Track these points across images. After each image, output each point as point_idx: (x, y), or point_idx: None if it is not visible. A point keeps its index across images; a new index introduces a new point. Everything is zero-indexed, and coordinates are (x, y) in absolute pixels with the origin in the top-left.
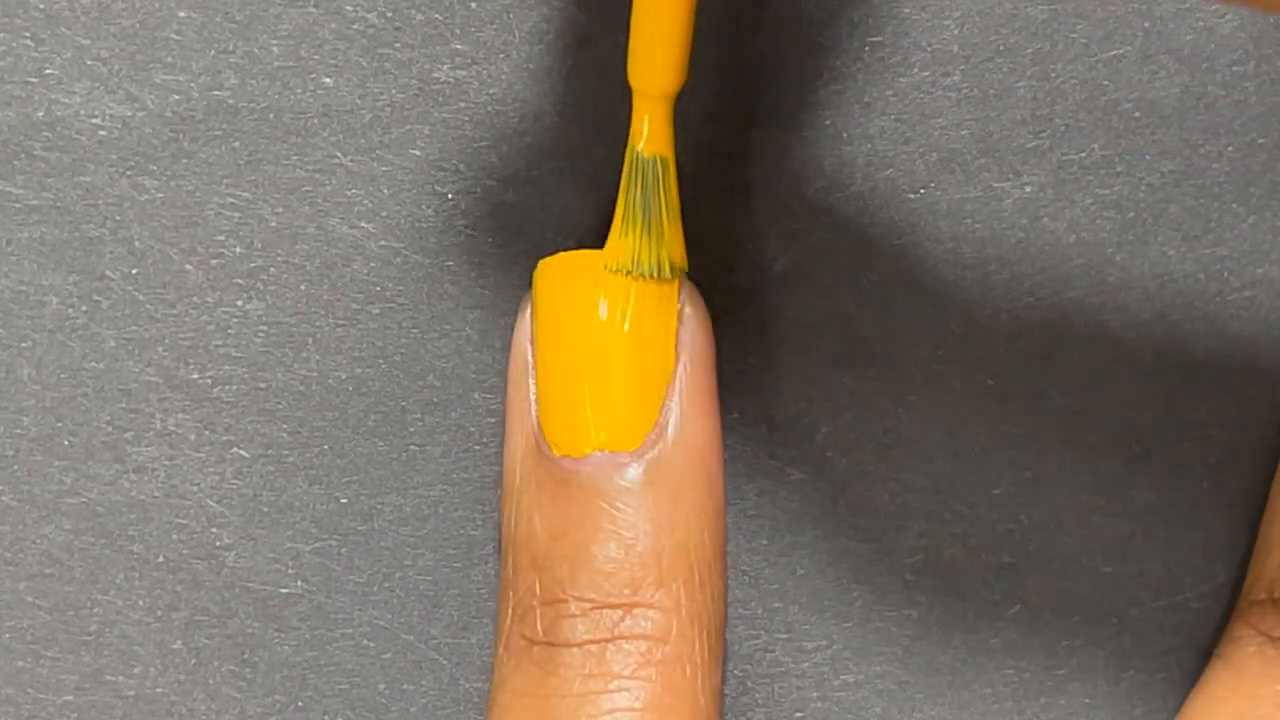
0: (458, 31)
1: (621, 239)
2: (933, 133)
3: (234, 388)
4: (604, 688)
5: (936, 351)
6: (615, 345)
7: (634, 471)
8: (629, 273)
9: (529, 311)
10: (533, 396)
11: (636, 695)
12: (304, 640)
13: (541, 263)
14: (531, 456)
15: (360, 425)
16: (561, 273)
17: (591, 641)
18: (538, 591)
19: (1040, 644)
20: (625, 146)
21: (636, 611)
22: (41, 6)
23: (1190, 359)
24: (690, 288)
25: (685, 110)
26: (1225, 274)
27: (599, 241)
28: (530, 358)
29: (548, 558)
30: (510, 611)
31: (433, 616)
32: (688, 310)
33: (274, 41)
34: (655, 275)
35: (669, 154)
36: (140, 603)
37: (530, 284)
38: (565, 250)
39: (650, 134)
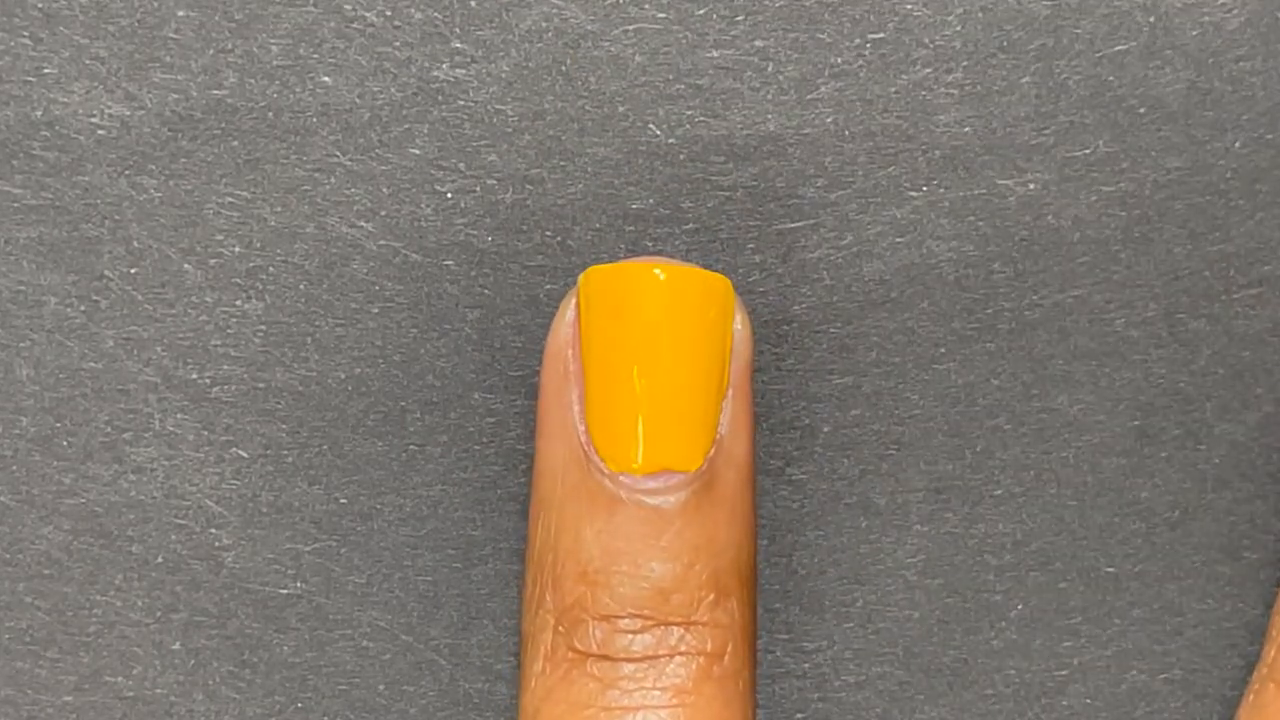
0: (457, 30)
1: None
2: (935, 130)
3: (233, 387)
4: (668, 701)
5: (938, 351)
6: (679, 364)
7: (694, 491)
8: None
9: (570, 317)
10: (576, 405)
11: (700, 710)
12: (303, 641)
13: (593, 271)
14: (578, 468)
15: (359, 425)
16: (621, 285)
17: (653, 657)
18: (590, 605)
19: (1041, 645)
20: (625, 145)
21: (696, 629)
22: (40, 5)
23: (1196, 357)
24: (739, 301)
25: (684, 108)
26: (1231, 271)
27: (599, 242)
28: (571, 364)
29: (602, 573)
30: (553, 623)
31: (433, 617)
32: (738, 325)
33: (273, 40)
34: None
35: None
36: (139, 603)
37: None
38: (567, 250)
39: None
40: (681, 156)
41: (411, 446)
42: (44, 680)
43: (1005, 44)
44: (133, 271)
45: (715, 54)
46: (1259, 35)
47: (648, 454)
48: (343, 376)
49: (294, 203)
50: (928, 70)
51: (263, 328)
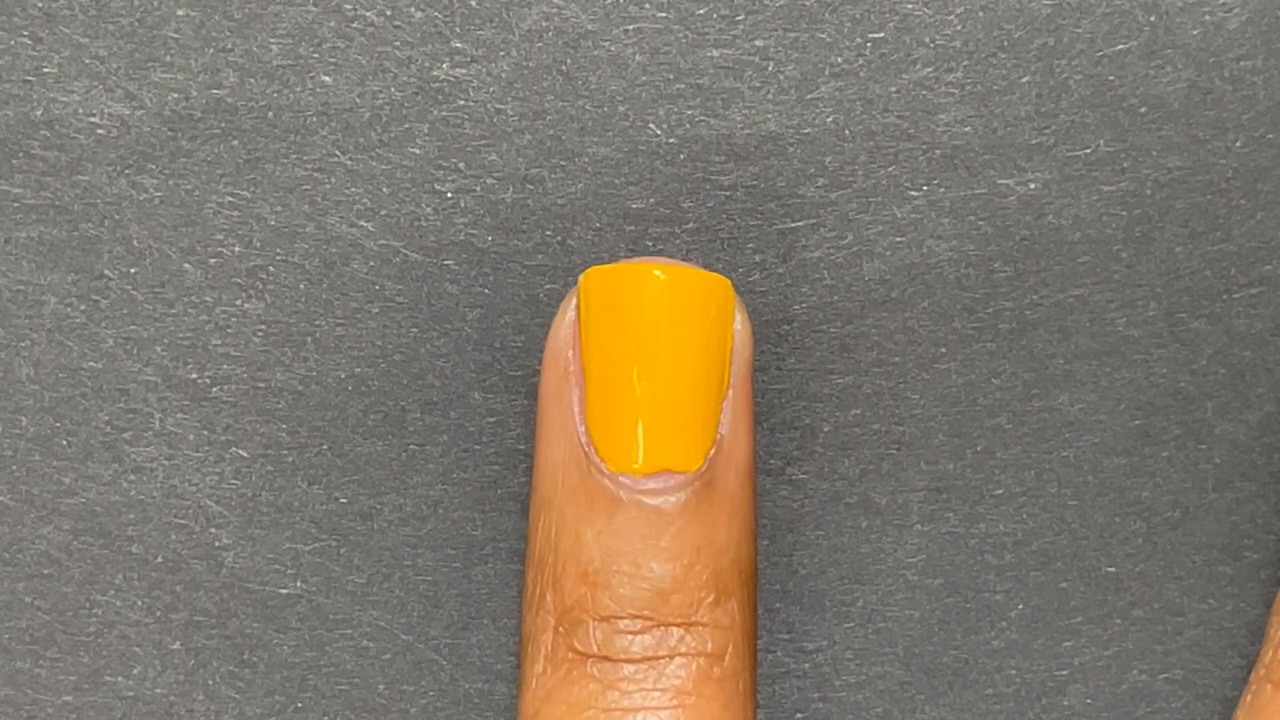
0: (457, 30)
1: None
2: (936, 129)
3: (233, 387)
4: (667, 703)
5: (938, 350)
6: (679, 364)
7: (694, 491)
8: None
9: (570, 317)
10: (576, 406)
11: (700, 711)
12: (303, 641)
13: (594, 271)
14: (578, 468)
15: (359, 425)
16: (621, 286)
17: (653, 658)
18: (590, 606)
19: (1042, 645)
20: (625, 145)
21: (696, 630)
22: (40, 5)
23: (1197, 357)
24: (739, 301)
25: (684, 108)
26: (1232, 270)
27: (599, 242)
28: (571, 364)
29: (603, 573)
30: (554, 623)
31: (432, 617)
32: (738, 325)
33: (273, 40)
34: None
35: None
36: (139, 603)
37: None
38: (567, 250)
39: None
40: (681, 156)
41: (411, 446)
42: (44, 680)
43: (1006, 43)
44: (133, 271)
45: (715, 53)
46: (1260, 34)
47: (648, 454)
48: (343, 376)
49: (294, 202)
50: (928, 70)
51: (263, 327)
